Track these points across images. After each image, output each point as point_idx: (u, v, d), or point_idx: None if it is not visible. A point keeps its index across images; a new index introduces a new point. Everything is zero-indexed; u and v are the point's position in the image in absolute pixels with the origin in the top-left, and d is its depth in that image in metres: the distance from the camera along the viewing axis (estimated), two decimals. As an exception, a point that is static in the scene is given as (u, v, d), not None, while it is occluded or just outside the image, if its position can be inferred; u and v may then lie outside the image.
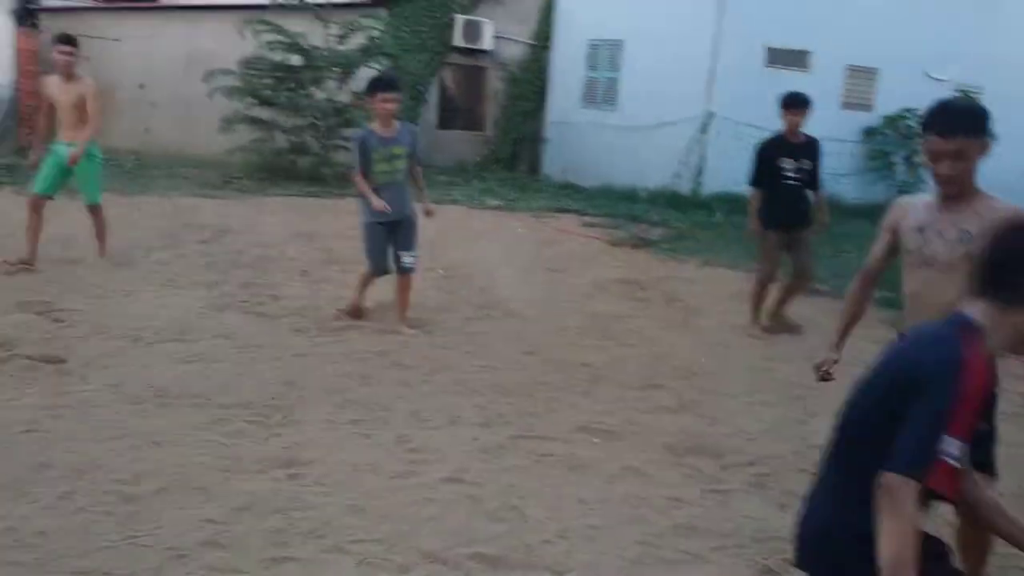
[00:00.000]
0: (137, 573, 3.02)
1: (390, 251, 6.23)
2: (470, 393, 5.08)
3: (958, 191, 2.99)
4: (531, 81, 16.74)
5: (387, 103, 5.97)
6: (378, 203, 6.00)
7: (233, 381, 4.95)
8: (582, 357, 5.89)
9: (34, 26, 15.32)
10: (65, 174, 7.26)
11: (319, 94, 13.30)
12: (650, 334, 6.64)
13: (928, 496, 1.96)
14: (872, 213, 8.74)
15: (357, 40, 13.38)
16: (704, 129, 11.92)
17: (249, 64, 13.02)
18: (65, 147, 7.15)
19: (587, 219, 11.42)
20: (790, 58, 13.10)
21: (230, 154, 13.04)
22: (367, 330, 6.20)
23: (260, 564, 3.13)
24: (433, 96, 16.58)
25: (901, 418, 1.94)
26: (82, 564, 3.05)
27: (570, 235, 10.36)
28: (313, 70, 13.15)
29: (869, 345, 4.04)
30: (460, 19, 15.91)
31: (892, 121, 13.74)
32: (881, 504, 1.92)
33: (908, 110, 13.61)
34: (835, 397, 5.13)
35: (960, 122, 2.91)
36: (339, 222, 9.98)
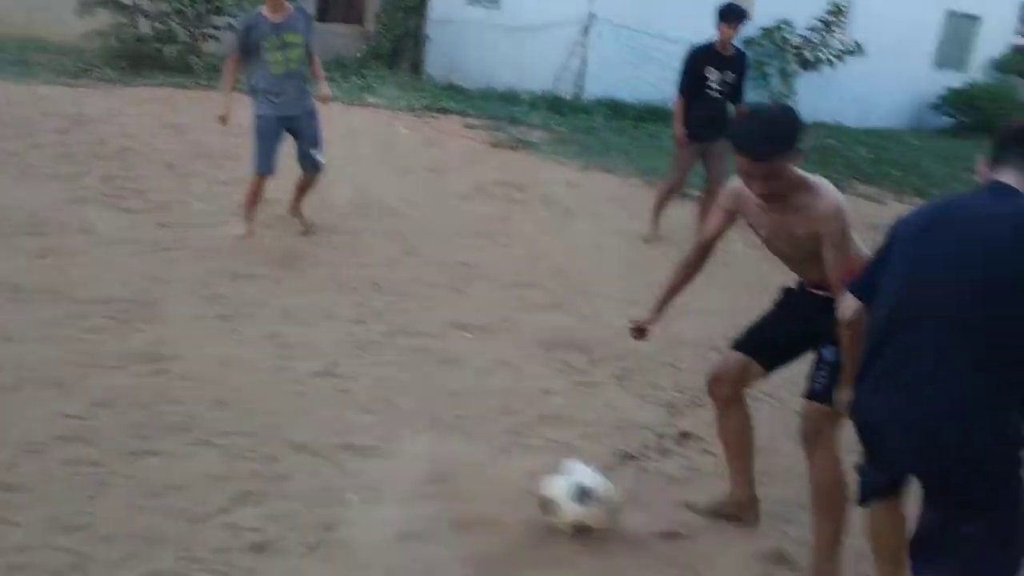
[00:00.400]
0: (-12, 468, 2.91)
1: (281, 149, 5.74)
2: (345, 290, 5.03)
3: (778, 200, 2.79)
4: (414, -26, 16.15)
5: None
6: (223, 110, 5.61)
7: (93, 276, 4.74)
8: (459, 256, 5.91)
9: None
10: None
11: (187, -23, 12.46)
12: (527, 235, 6.70)
13: None
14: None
15: (228, -81, 12.53)
16: (586, 32, 11.83)
17: (109, -60, 12.03)
18: None
19: (469, 120, 11.28)
20: (675, -37, 13.05)
21: (87, 39, 12.13)
22: (239, 227, 6.00)
23: (120, 457, 3.07)
24: (311, -14, 15.81)
25: None
26: (-73, 461, 2.92)
27: (451, 136, 10.22)
28: (180, -50, 12.27)
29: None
30: (339, -96, 15.10)
31: (769, 33, 14.00)
32: None
33: (785, 22, 13.88)
34: (699, 298, 5.34)
35: (768, 146, 2.66)
36: (209, 115, 9.52)
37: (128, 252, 5.23)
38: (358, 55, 15.74)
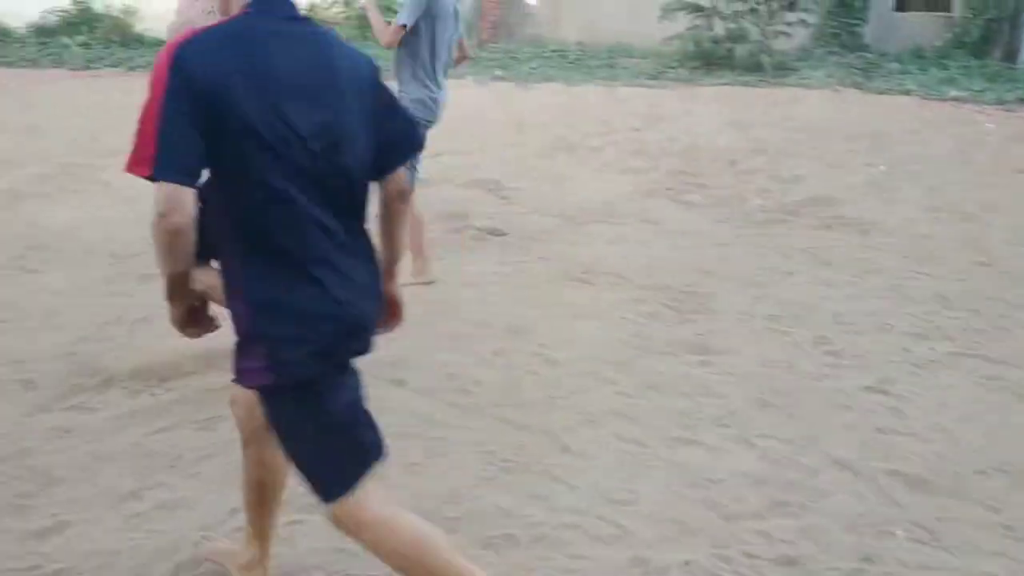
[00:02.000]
0: (552, 428, 3.24)
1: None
2: (904, 300, 4.60)
3: None
4: (1016, -49, 14.19)
5: None
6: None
7: (653, 264, 5.04)
8: (1050, 272, 5.02)
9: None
10: None
11: (765, -24, 12.63)
12: None
13: None
14: None
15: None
16: None
17: (694, -52, 12.74)
18: None
19: (1075, 113, 9.60)
20: None
21: (667, 43, 13.02)
22: (795, 225, 5.90)
23: (663, 441, 3.18)
24: (891, -26, 14.89)
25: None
26: (507, 414, 3.34)
27: (1050, 132, 8.79)
28: (761, -50, 12.48)
29: None
30: None
31: None
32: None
33: None
34: None
35: None
36: (774, 111, 9.59)
37: (687, 244, 5.46)
38: (939, 44, 14.43)
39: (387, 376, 3.57)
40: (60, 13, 13.85)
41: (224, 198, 1.79)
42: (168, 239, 1.71)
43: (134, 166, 1.90)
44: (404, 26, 4.36)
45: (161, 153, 1.70)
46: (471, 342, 3.97)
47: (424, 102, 4.50)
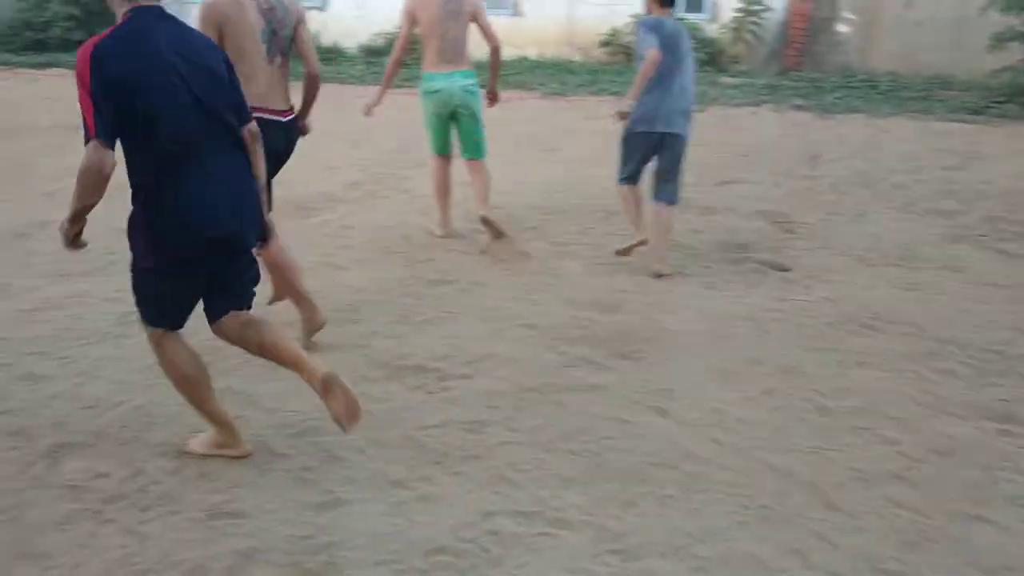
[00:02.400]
0: (818, 481, 3.03)
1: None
2: None
3: None
4: None
5: None
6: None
7: (954, 317, 4.57)
8: None
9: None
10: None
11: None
12: None
13: None
14: None
15: None
16: None
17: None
18: None
19: None
20: None
21: (995, 75, 11.78)
22: None
23: (946, 514, 2.85)
24: None
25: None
26: (770, 458, 3.18)
27: None
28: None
29: None
30: None
31: None
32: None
33: None
34: None
35: None
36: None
37: (996, 297, 4.90)
38: None
39: (651, 403, 3.54)
40: (386, 35, 15.20)
41: (132, 154, 2.67)
42: (96, 179, 2.56)
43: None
44: (655, 48, 4.85)
45: (98, 125, 2.54)
46: (740, 378, 3.83)
47: (632, 116, 5.06)
